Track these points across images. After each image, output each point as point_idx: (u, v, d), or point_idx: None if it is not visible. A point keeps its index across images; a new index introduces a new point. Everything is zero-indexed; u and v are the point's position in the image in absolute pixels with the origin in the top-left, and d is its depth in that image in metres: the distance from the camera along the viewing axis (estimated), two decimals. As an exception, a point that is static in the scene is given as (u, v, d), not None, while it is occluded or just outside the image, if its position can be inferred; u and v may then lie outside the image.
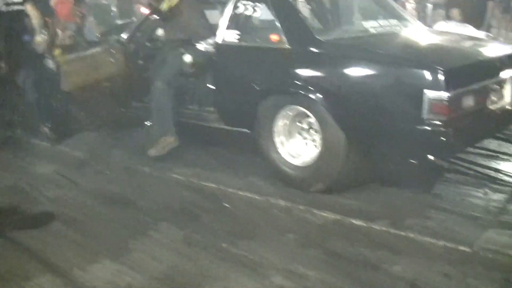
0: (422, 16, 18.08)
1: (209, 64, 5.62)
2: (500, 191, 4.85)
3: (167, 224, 4.44)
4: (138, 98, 6.34)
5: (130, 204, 4.87)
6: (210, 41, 5.65)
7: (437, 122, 4.22)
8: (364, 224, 4.30)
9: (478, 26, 9.03)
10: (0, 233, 4.32)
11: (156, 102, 5.75)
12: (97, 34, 8.10)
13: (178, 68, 5.75)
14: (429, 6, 19.67)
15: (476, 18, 9.22)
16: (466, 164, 5.19)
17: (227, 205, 4.78)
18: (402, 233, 4.13)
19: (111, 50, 6.02)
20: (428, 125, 4.24)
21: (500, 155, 5.64)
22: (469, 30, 8.00)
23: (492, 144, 5.78)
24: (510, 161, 5.57)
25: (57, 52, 5.74)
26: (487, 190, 4.87)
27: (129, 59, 6.18)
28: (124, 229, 4.39)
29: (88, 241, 4.19)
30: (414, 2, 19.57)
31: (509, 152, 5.71)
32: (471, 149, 5.43)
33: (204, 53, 5.67)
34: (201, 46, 5.68)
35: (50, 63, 5.48)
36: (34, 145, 6.70)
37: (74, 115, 6.00)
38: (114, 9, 13.12)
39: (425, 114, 4.22)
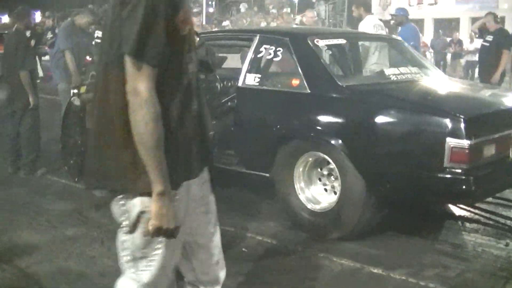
0: (442, 64, 18.23)
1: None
2: (522, 243, 4.79)
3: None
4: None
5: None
6: None
7: (458, 170, 4.19)
8: (383, 273, 4.25)
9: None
10: (15, 266, 4.36)
11: None
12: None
13: None
14: (449, 55, 19.86)
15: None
16: (486, 214, 5.13)
17: (244, 249, 4.74)
18: (422, 283, 4.07)
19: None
20: (449, 173, 4.21)
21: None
22: None
23: (512, 194, 5.74)
24: (531, 212, 5.52)
25: (82, 89, 5.78)
26: (508, 241, 4.81)
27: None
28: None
29: (106, 281, 4.15)
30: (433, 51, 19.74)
31: (530, 204, 5.64)
32: (491, 199, 5.37)
33: None
34: None
35: (76, 101, 5.50)
36: (55, 183, 6.72)
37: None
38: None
39: (446, 162, 4.19)
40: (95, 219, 5.42)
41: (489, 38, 9.40)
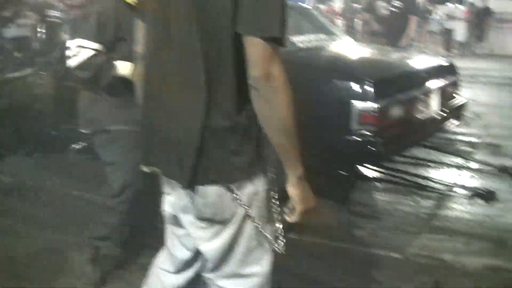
0: (351, 31, 18.51)
1: None
2: (430, 198, 4.99)
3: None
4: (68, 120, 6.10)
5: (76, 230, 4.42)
6: None
7: (366, 132, 4.29)
8: (293, 237, 4.27)
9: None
10: None
11: None
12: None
13: None
14: (359, 22, 20.17)
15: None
16: (395, 173, 5.27)
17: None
18: (334, 244, 4.18)
19: (40, 72, 5.85)
20: (357, 135, 4.31)
21: (428, 163, 5.78)
22: None
23: (420, 152, 5.89)
24: (438, 168, 5.74)
25: None
26: (417, 197, 4.97)
27: (60, 80, 5.92)
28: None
29: (28, 271, 4.03)
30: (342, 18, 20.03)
31: (436, 160, 5.85)
32: (400, 158, 5.52)
33: None
34: None
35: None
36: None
37: (4, 138, 5.77)
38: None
39: (354, 125, 4.29)
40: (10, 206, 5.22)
41: (396, 3, 9.59)
